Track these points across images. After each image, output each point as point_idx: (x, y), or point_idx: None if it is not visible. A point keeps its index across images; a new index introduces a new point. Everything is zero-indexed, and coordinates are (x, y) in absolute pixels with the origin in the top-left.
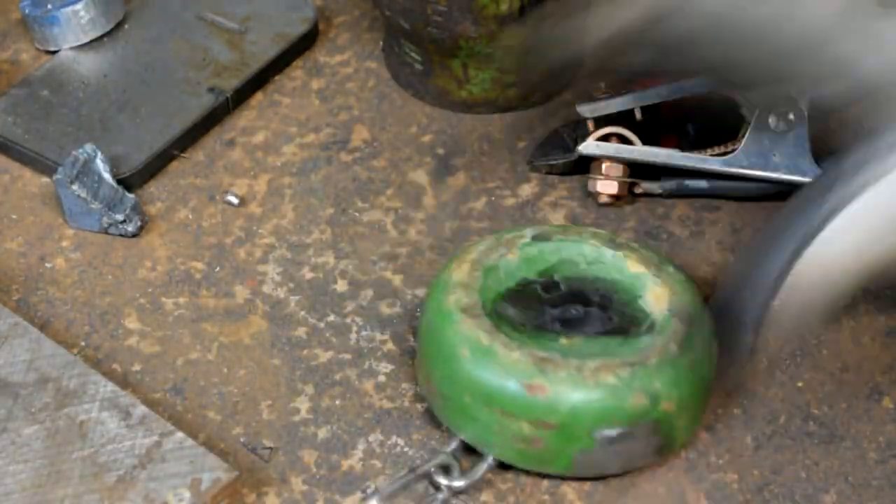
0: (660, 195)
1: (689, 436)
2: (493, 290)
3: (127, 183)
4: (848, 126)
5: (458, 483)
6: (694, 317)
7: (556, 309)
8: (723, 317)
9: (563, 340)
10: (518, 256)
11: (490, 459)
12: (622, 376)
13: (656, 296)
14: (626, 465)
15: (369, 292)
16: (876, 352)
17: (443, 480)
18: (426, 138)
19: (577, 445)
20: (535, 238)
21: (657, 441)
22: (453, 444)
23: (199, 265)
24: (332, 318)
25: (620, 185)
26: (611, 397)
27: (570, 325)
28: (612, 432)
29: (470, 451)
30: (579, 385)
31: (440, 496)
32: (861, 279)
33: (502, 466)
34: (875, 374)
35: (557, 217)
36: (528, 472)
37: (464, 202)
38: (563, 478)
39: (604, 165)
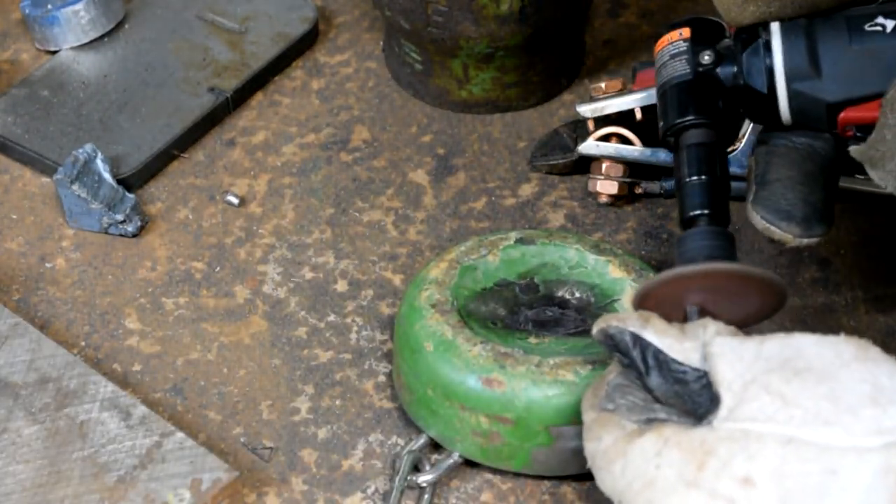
0: (660, 195)
1: None
2: (468, 289)
3: (127, 183)
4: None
5: (424, 477)
6: None
7: (532, 310)
8: None
9: (532, 339)
10: (499, 258)
11: (456, 456)
12: (581, 374)
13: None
14: (587, 465)
15: (369, 292)
16: None
17: (410, 477)
18: (426, 138)
19: (534, 441)
20: (519, 241)
21: None
22: (420, 441)
23: (199, 265)
24: (332, 318)
25: (620, 185)
26: (568, 394)
27: (543, 326)
28: (569, 429)
29: (440, 448)
30: (537, 381)
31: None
32: None
33: (468, 463)
34: None
35: (557, 217)
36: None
37: (464, 202)
38: (527, 476)
39: (604, 165)
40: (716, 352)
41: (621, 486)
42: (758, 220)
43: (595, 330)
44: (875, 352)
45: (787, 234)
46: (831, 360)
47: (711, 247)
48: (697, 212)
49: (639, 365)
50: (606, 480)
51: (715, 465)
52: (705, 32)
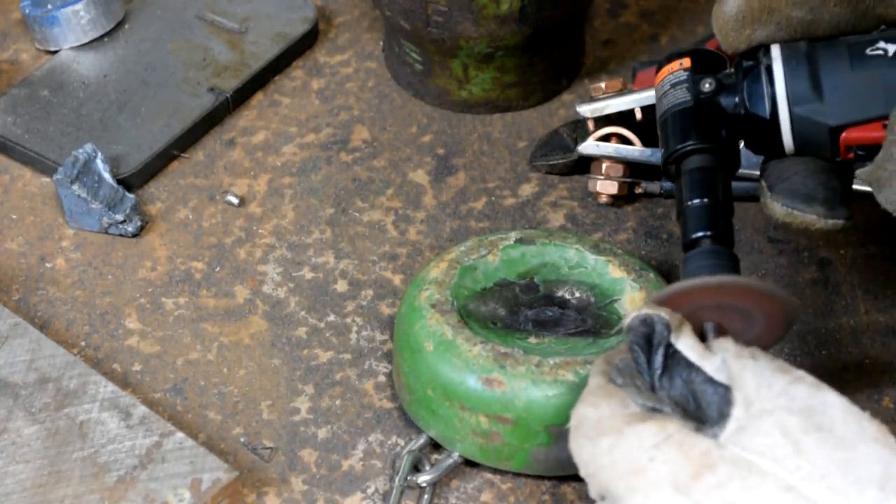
0: (660, 195)
1: None
2: (468, 289)
3: (127, 183)
4: None
5: (424, 477)
6: None
7: (531, 310)
8: None
9: (532, 339)
10: (499, 258)
11: (455, 455)
12: (581, 374)
13: (632, 300)
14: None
15: (369, 292)
16: (876, 352)
17: (410, 477)
18: (426, 138)
19: (534, 441)
20: (519, 241)
21: None
22: (420, 441)
23: (199, 265)
24: (332, 318)
25: (620, 185)
26: (568, 394)
27: (543, 326)
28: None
29: (440, 448)
30: (537, 381)
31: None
32: None
33: (468, 463)
34: (875, 374)
35: (557, 217)
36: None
37: (464, 202)
38: (527, 476)
39: (604, 165)
40: (746, 368)
41: (603, 462)
42: (778, 207)
43: (637, 314)
44: (893, 441)
45: (811, 216)
46: (854, 431)
47: (716, 265)
48: (700, 234)
49: (657, 359)
50: (585, 449)
51: (710, 481)
52: (706, 63)
